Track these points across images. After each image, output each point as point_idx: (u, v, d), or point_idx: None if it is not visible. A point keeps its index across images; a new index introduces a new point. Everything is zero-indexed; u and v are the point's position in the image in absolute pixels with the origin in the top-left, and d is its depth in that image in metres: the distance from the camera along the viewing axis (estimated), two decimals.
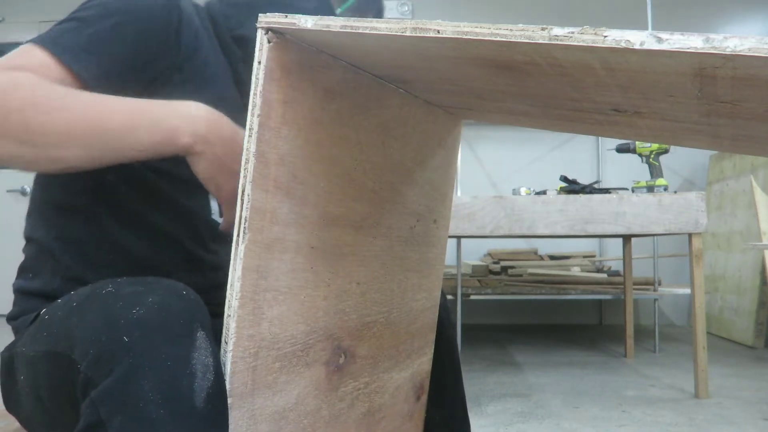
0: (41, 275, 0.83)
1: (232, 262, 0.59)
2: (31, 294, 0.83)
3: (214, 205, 0.89)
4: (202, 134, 0.70)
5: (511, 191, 2.97)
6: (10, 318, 0.84)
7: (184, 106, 0.71)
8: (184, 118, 0.70)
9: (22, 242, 0.89)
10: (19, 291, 0.85)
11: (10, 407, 0.79)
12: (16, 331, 0.82)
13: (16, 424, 0.86)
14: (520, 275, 3.73)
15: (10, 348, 0.77)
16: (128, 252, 0.83)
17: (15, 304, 0.85)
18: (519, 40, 0.47)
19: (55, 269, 0.82)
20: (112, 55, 0.76)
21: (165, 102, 0.71)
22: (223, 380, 0.58)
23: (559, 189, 2.69)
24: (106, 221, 0.82)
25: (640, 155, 2.67)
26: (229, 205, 0.75)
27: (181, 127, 0.69)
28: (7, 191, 4.55)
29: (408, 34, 0.51)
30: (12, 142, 0.66)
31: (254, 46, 0.60)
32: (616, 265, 4.02)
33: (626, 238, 3.20)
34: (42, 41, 0.74)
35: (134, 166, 0.78)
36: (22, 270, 0.86)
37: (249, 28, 0.87)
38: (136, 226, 0.83)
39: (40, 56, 0.72)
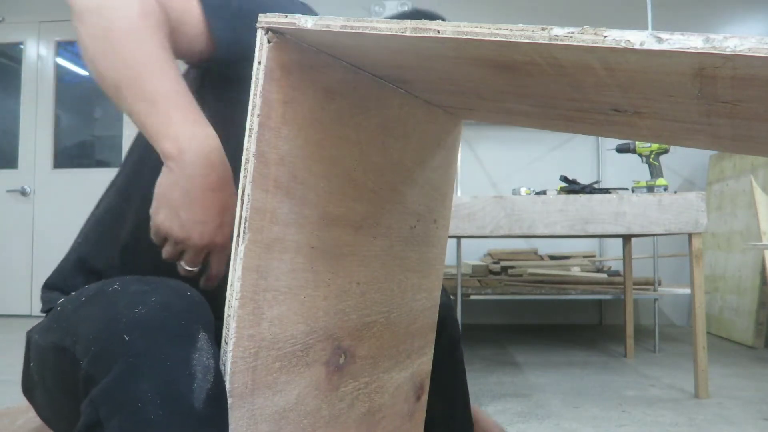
0: (103, 246, 0.83)
1: (232, 262, 0.59)
2: (83, 269, 0.83)
3: None
4: (185, 157, 0.68)
5: (511, 191, 2.97)
6: (47, 286, 0.84)
7: (201, 128, 0.70)
8: (189, 138, 0.69)
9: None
10: (76, 262, 0.84)
11: (26, 389, 0.79)
12: (44, 302, 0.82)
13: (18, 421, 0.86)
14: (520, 275, 3.73)
15: (33, 330, 0.77)
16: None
17: (58, 273, 0.84)
18: (519, 40, 0.47)
19: (114, 237, 0.83)
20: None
21: (192, 109, 0.71)
22: (224, 382, 0.57)
23: (559, 189, 2.69)
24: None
25: (640, 155, 2.67)
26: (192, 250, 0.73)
27: (180, 139, 0.69)
28: (7, 191, 4.55)
29: (408, 34, 0.51)
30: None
31: None
32: (616, 265, 4.02)
33: (626, 238, 3.20)
34: None
35: None
36: (82, 238, 0.86)
37: None
38: None
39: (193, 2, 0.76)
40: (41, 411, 0.78)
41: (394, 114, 0.80)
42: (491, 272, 3.80)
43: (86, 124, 4.79)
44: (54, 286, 0.83)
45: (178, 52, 0.77)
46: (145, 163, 0.84)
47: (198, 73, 0.87)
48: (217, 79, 0.85)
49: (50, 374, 0.68)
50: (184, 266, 0.72)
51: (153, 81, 0.69)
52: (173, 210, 0.69)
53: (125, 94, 0.68)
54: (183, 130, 0.68)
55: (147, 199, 0.79)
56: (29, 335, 0.77)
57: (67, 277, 0.83)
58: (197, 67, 0.86)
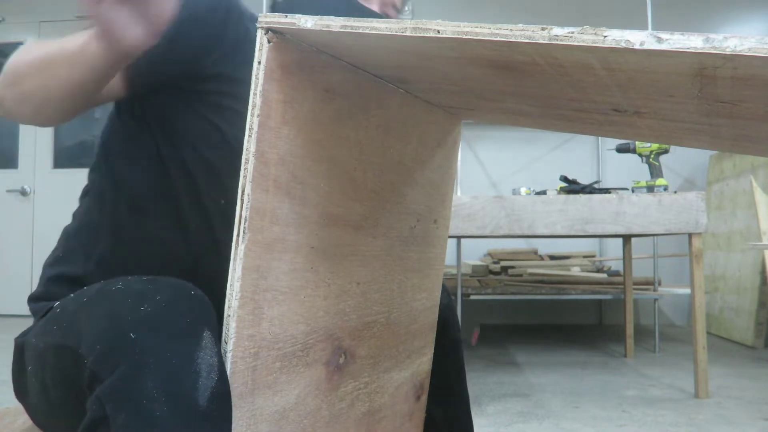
0: (74, 258, 0.84)
1: (232, 262, 0.59)
2: (61, 279, 0.84)
3: None
4: None
5: (511, 191, 2.97)
6: (32, 299, 0.85)
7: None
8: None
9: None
10: (49, 278, 0.85)
11: (19, 394, 0.80)
12: (34, 313, 0.83)
13: (17, 421, 0.86)
14: (520, 275, 3.73)
15: (23, 335, 0.78)
16: (163, 245, 0.84)
17: (41, 285, 0.85)
18: (519, 40, 0.47)
19: (88, 252, 0.83)
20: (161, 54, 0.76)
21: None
22: (227, 379, 0.58)
23: (559, 189, 2.69)
24: (148, 212, 0.84)
25: (640, 155, 2.67)
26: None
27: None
28: (7, 191, 4.55)
29: (408, 34, 0.51)
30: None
31: None
32: (616, 265, 4.02)
33: (626, 238, 3.20)
34: None
35: (187, 159, 0.83)
36: (57, 250, 0.87)
37: None
38: (177, 225, 0.84)
39: None
40: (37, 415, 0.78)
41: (394, 114, 0.80)
42: (491, 272, 3.81)
43: (86, 124, 4.79)
44: (40, 297, 0.84)
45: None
46: (114, 177, 0.85)
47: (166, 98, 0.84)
48: (192, 96, 0.84)
49: (51, 376, 0.69)
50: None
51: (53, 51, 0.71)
52: None
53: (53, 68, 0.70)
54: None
55: (121, 211, 0.82)
56: (21, 341, 0.77)
57: (50, 290, 0.83)
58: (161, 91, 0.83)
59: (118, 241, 0.83)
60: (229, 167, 0.83)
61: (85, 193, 0.89)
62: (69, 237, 0.87)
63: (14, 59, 0.72)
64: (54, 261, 0.86)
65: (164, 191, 0.83)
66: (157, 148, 0.83)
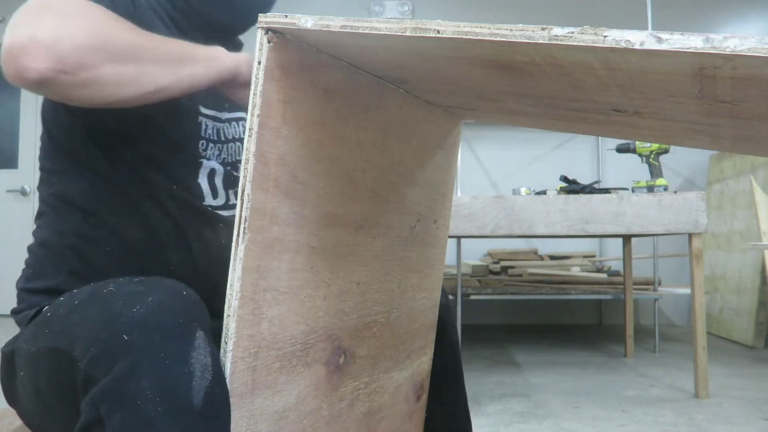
0: (44, 273, 0.84)
1: (231, 262, 0.59)
2: (34, 291, 0.84)
3: (204, 187, 0.89)
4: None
5: (511, 191, 2.97)
6: (14, 312, 0.85)
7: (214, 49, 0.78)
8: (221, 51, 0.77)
9: (23, 241, 0.90)
10: (22, 289, 0.86)
11: (11, 400, 0.80)
12: (19, 324, 0.83)
13: (17, 422, 0.86)
14: (520, 275, 3.72)
15: (11, 343, 0.78)
16: (127, 242, 0.83)
17: (19, 300, 0.86)
18: (519, 40, 0.47)
19: (58, 265, 0.83)
20: None
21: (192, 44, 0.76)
22: (223, 379, 0.58)
23: (559, 189, 2.69)
24: (104, 216, 0.83)
25: (640, 155, 2.66)
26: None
27: (222, 56, 0.76)
28: (7, 191, 4.54)
29: (408, 34, 0.51)
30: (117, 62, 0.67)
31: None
32: (616, 265, 4.02)
33: (626, 238, 3.20)
34: None
35: (129, 160, 0.82)
36: (26, 269, 0.87)
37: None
38: (135, 218, 0.84)
39: None
40: (32, 418, 0.78)
41: (394, 114, 0.80)
42: (491, 272, 3.80)
43: None
44: (21, 309, 0.84)
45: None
46: (62, 193, 0.84)
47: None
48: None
49: (45, 379, 0.68)
50: None
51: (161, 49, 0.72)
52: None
53: (181, 62, 0.73)
54: (220, 53, 0.77)
55: (78, 222, 0.82)
56: (9, 349, 0.77)
57: (30, 300, 0.83)
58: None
59: (84, 250, 0.83)
60: (173, 158, 0.86)
61: (40, 214, 0.88)
62: (35, 255, 0.86)
63: (107, 34, 0.66)
64: (26, 278, 0.86)
65: (115, 195, 0.83)
66: (96, 159, 0.83)
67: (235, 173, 0.93)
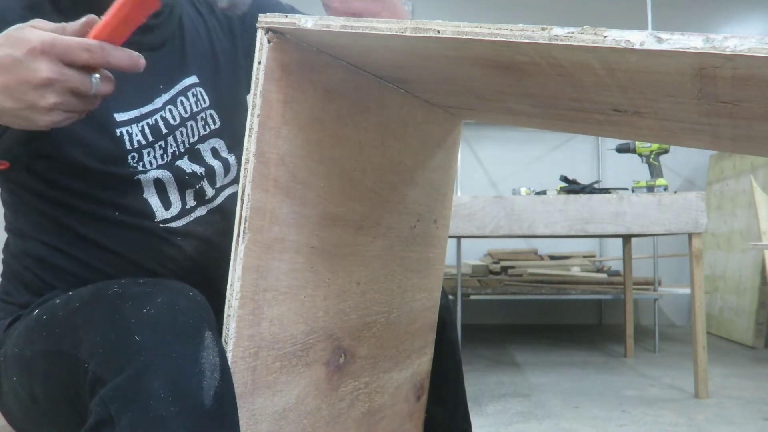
0: (15, 291, 0.83)
1: (232, 262, 0.59)
2: (9, 303, 0.82)
3: (154, 202, 0.80)
4: None
5: (511, 191, 2.97)
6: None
7: None
8: None
9: None
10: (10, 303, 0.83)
11: (1, 409, 0.78)
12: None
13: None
14: (520, 275, 3.73)
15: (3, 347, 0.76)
16: (88, 278, 0.79)
17: (2, 311, 0.83)
18: (519, 40, 0.47)
19: (25, 287, 0.81)
20: None
21: None
22: (230, 379, 0.58)
23: (559, 189, 2.69)
24: (58, 254, 0.80)
25: (640, 155, 2.66)
26: None
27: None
28: None
29: (408, 34, 0.51)
30: None
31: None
32: (616, 265, 4.02)
33: (626, 238, 3.20)
34: None
35: (65, 199, 0.77)
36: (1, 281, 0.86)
37: None
38: (90, 256, 0.79)
39: None
40: (25, 424, 0.77)
41: (394, 114, 0.80)
42: (491, 272, 3.80)
43: None
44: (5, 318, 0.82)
45: None
46: (12, 229, 0.82)
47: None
48: None
49: (42, 383, 0.68)
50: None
51: None
52: None
53: None
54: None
55: (38, 248, 0.79)
56: None
57: (2, 308, 0.82)
58: None
59: (46, 277, 0.80)
60: (104, 186, 0.77)
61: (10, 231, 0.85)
62: (4, 272, 0.84)
63: None
64: (2, 290, 0.85)
65: (63, 231, 0.79)
66: (36, 196, 0.78)
67: (196, 165, 0.83)
